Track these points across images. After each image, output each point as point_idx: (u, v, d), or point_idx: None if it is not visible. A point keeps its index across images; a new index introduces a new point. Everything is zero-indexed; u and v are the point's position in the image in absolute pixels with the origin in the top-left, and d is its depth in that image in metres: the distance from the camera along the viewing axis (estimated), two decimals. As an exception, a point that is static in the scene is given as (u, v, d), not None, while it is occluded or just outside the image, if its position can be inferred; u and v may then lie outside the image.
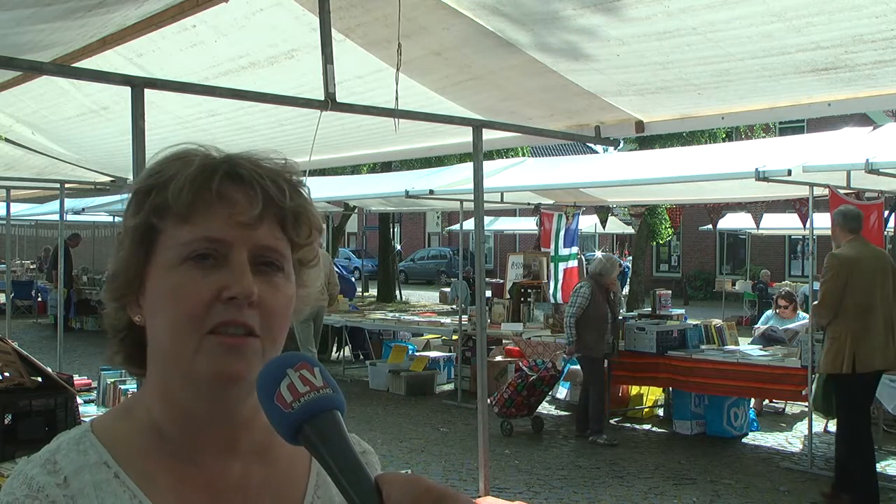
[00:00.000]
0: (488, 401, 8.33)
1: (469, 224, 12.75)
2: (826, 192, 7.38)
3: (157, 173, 0.98)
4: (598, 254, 30.44)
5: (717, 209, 13.10)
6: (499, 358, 11.04)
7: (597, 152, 22.43)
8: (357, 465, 0.83)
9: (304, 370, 0.86)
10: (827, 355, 6.16)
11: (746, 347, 8.91)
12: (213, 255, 0.95)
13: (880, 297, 6.09)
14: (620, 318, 9.08)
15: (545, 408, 9.55)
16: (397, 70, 3.91)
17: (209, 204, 0.95)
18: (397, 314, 13.44)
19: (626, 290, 21.19)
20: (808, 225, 8.19)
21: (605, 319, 8.30)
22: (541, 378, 8.47)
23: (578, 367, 8.91)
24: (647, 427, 9.17)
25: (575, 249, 12.22)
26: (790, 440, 8.61)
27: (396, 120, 4.12)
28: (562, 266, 11.94)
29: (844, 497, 6.26)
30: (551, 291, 11.66)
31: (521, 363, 8.94)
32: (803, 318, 9.66)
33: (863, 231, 6.66)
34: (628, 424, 9.23)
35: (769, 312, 10.42)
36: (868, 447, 6.14)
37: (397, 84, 3.93)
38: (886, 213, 8.08)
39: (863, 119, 16.52)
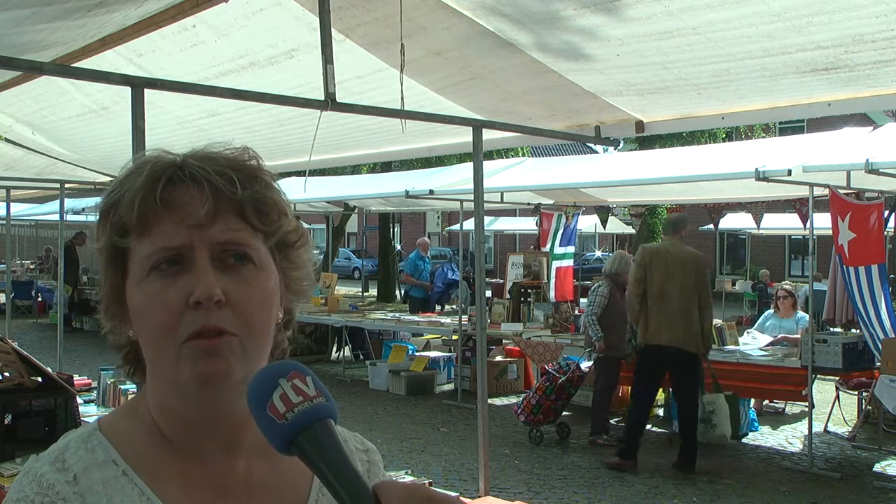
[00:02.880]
0: (513, 409, 8.31)
1: (469, 224, 12.75)
2: (826, 192, 7.38)
3: (113, 191, 0.98)
4: (598, 254, 30.20)
5: (718, 209, 13.09)
6: (499, 358, 11.04)
7: (597, 152, 22.42)
8: (354, 474, 0.82)
9: (296, 379, 0.84)
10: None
11: (746, 347, 8.91)
12: (177, 262, 0.94)
13: (678, 288, 7.09)
14: None
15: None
16: (401, 71, 3.91)
17: (158, 213, 0.95)
18: (397, 314, 13.43)
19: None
20: (808, 225, 8.18)
21: (625, 319, 8.16)
22: (569, 380, 8.21)
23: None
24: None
25: (571, 249, 12.20)
26: (790, 440, 8.61)
27: (403, 121, 4.11)
28: (556, 264, 11.90)
29: (629, 461, 7.29)
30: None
31: (546, 366, 8.68)
32: (800, 317, 9.68)
33: (862, 231, 7.07)
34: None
35: (769, 312, 10.41)
36: (641, 415, 7.41)
37: (402, 85, 3.93)
38: (886, 213, 8.07)
39: (863, 119, 16.51)
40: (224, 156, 1.00)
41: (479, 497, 4.61)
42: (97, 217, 1.00)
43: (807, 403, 7.76)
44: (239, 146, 1.02)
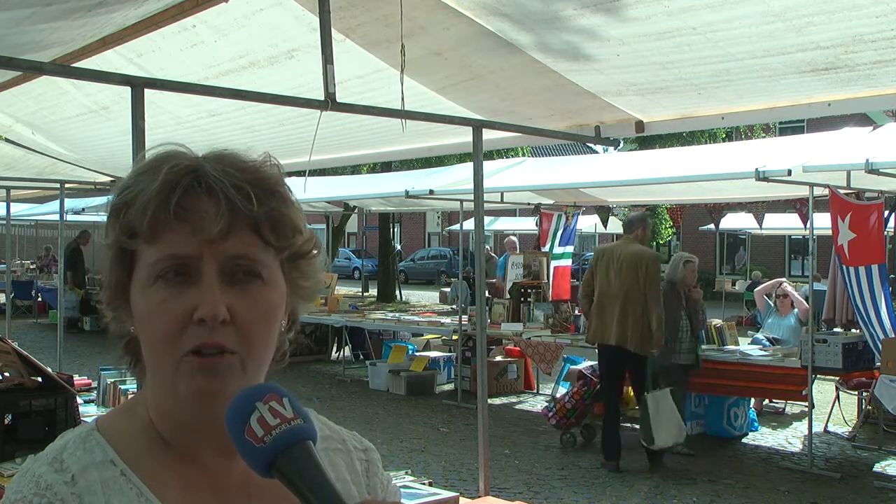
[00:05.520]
0: (542, 412, 8.20)
1: (469, 224, 12.75)
2: (826, 192, 7.38)
3: (126, 189, 0.97)
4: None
5: (719, 209, 13.08)
6: (499, 358, 11.04)
7: (597, 152, 22.42)
8: (333, 495, 0.82)
9: (273, 402, 0.84)
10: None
11: (746, 347, 8.90)
12: (184, 272, 0.93)
13: (619, 286, 7.15)
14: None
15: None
16: (401, 71, 3.91)
17: (170, 223, 0.93)
18: (397, 314, 13.43)
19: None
20: (808, 225, 8.18)
21: (678, 325, 7.66)
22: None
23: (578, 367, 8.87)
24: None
25: (570, 248, 12.20)
26: (790, 440, 8.61)
27: (404, 121, 4.11)
28: (553, 264, 11.90)
29: (611, 462, 7.32)
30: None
31: (582, 370, 8.57)
32: (797, 313, 9.68)
33: (862, 231, 7.17)
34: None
35: (770, 308, 10.40)
36: (608, 414, 7.43)
37: (402, 85, 3.93)
38: (886, 213, 8.07)
39: (863, 119, 16.50)
40: (243, 166, 0.97)
41: (479, 497, 4.60)
42: (108, 212, 0.99)
43: (807, 403, 7.76)
44: (261, 154, 0.99)
